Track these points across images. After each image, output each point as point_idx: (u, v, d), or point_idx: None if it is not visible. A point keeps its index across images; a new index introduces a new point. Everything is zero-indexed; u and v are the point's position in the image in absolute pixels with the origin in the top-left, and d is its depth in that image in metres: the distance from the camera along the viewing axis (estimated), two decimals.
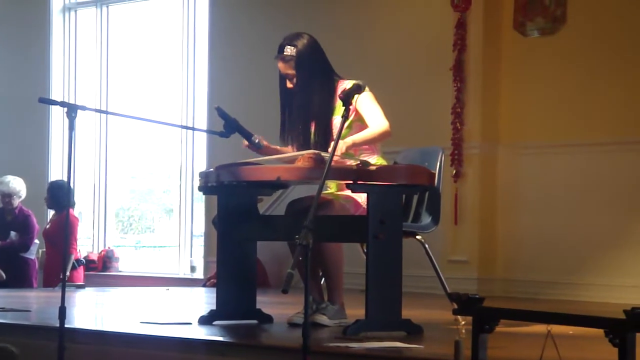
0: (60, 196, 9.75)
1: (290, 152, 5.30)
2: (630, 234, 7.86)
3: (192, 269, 10.79)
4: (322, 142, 5.19)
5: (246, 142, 5.32)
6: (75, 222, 10.04)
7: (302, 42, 5.27)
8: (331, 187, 5.28)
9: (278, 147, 5.40)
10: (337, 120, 5.17)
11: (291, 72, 5.27)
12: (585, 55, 8.12)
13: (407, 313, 4.92)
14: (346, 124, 5.19)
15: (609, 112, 8.00)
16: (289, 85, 5.31)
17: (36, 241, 10.07)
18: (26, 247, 9.94)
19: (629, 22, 7.97)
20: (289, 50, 5.26)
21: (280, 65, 5.30)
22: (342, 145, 4.97)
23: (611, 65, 8.00)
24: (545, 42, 8.31)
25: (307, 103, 5.26)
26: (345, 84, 5.15)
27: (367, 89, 5.14)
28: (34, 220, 10.07)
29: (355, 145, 5.11)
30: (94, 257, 11.28)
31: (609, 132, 7.97)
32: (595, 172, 8.03)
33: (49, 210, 10.25)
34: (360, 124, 5.23)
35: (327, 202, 5.09)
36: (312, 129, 5.29)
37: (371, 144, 5.23)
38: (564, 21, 8.22)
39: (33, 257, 10.03)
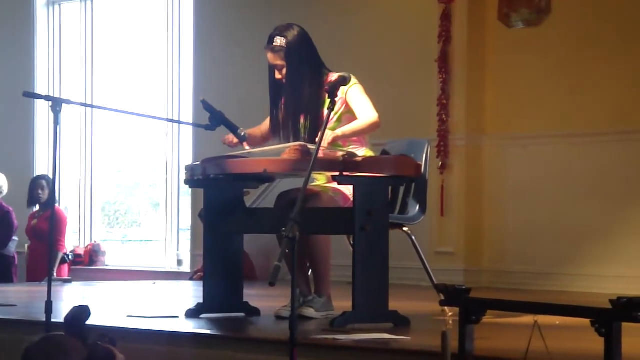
0: (31, 193, 9.78)
1: (277, 144, 5.31)
2: (616, 224, 7.88)
3: (179, 262, 10.79)
4: (312, 135, 5.18)
5: (230, 139, 5.31)
6: (64, 219, 10.02)
7: (292, 34, 5.28)
8: (319, 179, 5.28)
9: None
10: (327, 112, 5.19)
11: (280, 63, 5.27)
12: (569, 46, 8.14)
13: (394, 305, 4.93)
14: (336, 117, 5.22)
15: (594, 102, 8.01)
16: (278, 76, 5.30)
17: (15, 238, 10.02)
18: (4, 244, 9.89)
19: (613, 13, 7.98)
20: (279, 41, 5.25)
21: (270, 56, 5.29)
22: (330, 136, 4.98)
23: (596, 56, 8.01)
24: (529, 33, 8.32)
25: (297, 95, 5.26)
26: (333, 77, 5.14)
27: (356, 81, 5.16)
28: (14, 216, 10.02)
29: (344, 136, 5.11)
30: (81, 251, 11.26)
31: (595, 123, 7.99)
32: (581, 163, 8.05)
33: (37, 205, 10.19)
34: (350, 116, 5.23)
35: (315, 195, 5.09)
36: (302, 121, 5.29)
37: (360, 135, 5.24)
38: (549, 12, 8.23)
39: (12, 253, 9.99)
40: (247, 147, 5.33)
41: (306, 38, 5.32)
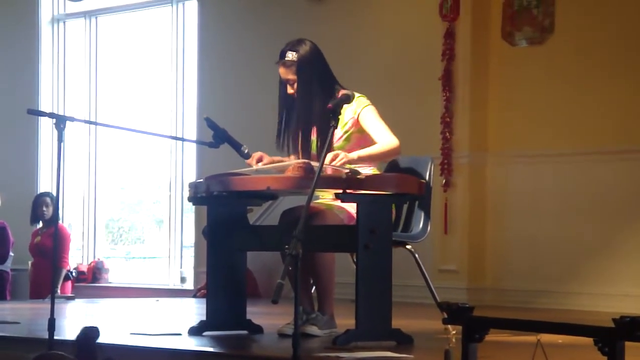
0: (35, 209, 9.79)
1: (284, 160, 5.31)
2: (619, 243, 7.88)
3: (182, 279, 10.78)
4: (322, 151, 5.14)
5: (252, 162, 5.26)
6: (67, 236, 10.02)
7: (304, 48, 5.28)
8: (324, 196, 5.27)
9: (274, 158, 5.38)
10: (338, 129, 5.18)
11: (292, 77, 5.26)
12: (573, 65, 8.15)
13: (397, 322, 4.92)
14: (345, 136, 5.21)
15: (596, 121, 8.02)
16: (290, 91, 5.29)
17: (11, 253, 10.04)
18: (4, 258, 9.91)
19: (615, 33, 8.00)
20: (290, 56, 5.25)
21: (282, 70, 5.29)
22: (345, 159, 4.94)
23: (599, 75, 8.03)
24: (533, 52, 8.34)
25: (308, 109, 5.23)
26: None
27: (369, 102, 5.18)
28: (9, 231, 10.04)
29: (360, 159, 5.06)
30: (84, 268, 11.26)
31: (597, 141, 8.00)
32: (584, 181, 8.05)
33: (40, 222, 10.20)
34: (359, 135, 5.22)
35: (319, 212, 5.08)
36: (313, 136, 5.29)
37: (379, 160, 5.22)
38: (552, 31, 8.25)
39: (8, 269, 10.00)
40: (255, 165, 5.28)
41: (318, 53, 5.32)
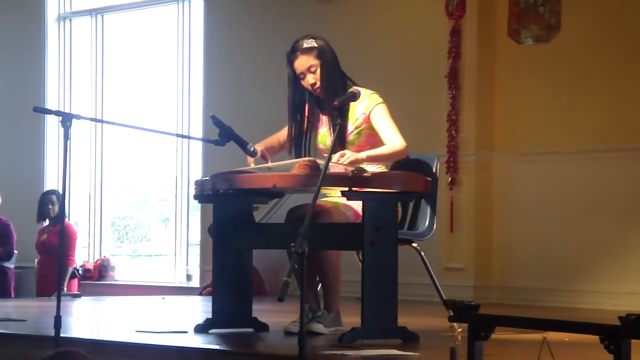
0: (41, 207, 9.81)
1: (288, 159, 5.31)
2: (625, 241, 7.87)
3: (188, 277, 10.79)
4: (335, 143, 5.09)
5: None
6: (74, 234, 10.04)
7: (319, 38, 5.28)
8: (331, 194, 5.26)
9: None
10: (349, 124, 5.18)
11: (314, 62, 5.20)
12: (579, 63, 8.14)
13: (403, 320, 4.92)
14: (356, 131, 5.20)
15: (603, 119, 8.01)
16: (311, 80, 5.22)
17: (15, 251, 10.06)
18: (10, 255, 9.94)
19: (622, 31, 7.99)
20: (310, 42, 5.22)
21: (301, 59, 5.21)
22: (352, 157, 4.92)
23: (605, 73, 8.02)
24: (539, 50, 8.33)
25: (333, 92, 5.16)
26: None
27: (381, 100, 5.16)
28: (13, 228, 10.07)
29: (369, 159, 5.04)
30: (90, 266, 11.27)
31: (604, 139, 7.99)
32: (590, 179, 8.05)
33: (46, 220, 10.22)
34: (369, 132, 5.21)
35: (325, 211, 5.08)
36: (327, 128, 5.27)
37: (385, 162, 5.21)
38: (558, 29, 8.24)
39: (12, 266, 10.02)
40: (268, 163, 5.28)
41: (331, 46, 5.33)
